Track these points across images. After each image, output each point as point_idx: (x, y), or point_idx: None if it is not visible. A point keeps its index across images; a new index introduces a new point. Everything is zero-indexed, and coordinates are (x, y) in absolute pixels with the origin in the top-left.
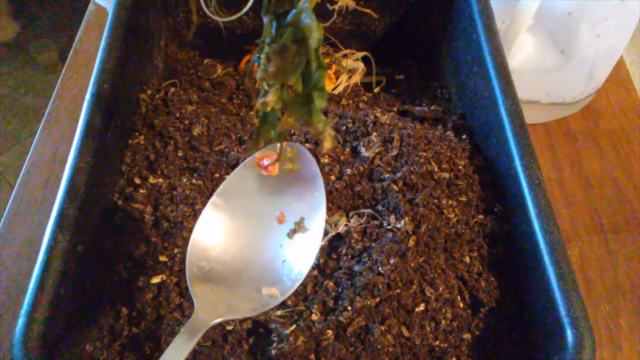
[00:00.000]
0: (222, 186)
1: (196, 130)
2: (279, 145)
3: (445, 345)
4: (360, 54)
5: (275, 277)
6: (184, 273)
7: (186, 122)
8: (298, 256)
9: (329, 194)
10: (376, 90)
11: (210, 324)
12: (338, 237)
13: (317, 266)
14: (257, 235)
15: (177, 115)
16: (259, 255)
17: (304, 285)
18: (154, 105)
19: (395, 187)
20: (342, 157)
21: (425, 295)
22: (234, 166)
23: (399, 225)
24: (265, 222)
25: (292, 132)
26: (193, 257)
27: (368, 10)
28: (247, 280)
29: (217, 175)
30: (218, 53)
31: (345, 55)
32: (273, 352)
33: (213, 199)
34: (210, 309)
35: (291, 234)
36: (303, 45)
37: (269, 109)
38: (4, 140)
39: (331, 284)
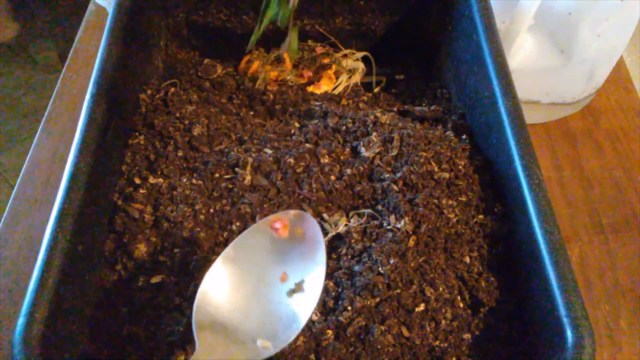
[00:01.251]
0: (236, 240)
1: (196, 130)
2: (291, 212)
3: (445, 345)
4: (361, 54)
5: (271, 331)
6: (184, 272)
7: (186, 122)
8: (294, 315)
9: (329, 193)
10: (376, 90)
11: None
12: (338, 237)
13: None
14: (260, 290)
15: (177, 115)
16: (259, 309)
17: None
18: (154, 105)
19: (395, 187)
20: (342, 157)
21: (425, 295)
22: (233, 166)
23: (399, 225)
24: (270, 279)
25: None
26: (201, 302)
27: None
28: (246, 330)
29: (217, 175)
30: (218, 53)
31: (345, 55)
32: None
33: (227, 250)
34: (209, 352)
35: (290, 293)
36: None
37: None
38: (4, 140)
39: (331, 284)
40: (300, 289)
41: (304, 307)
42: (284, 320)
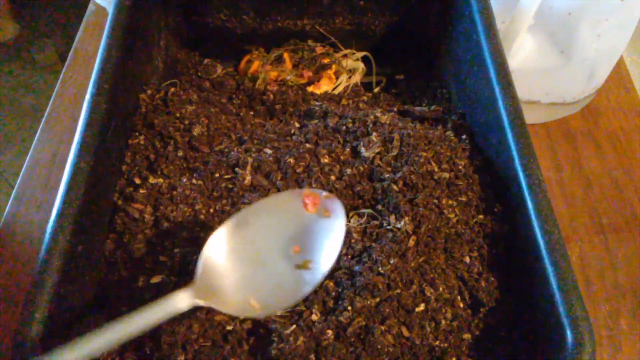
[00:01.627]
0: (267, 199)
1: (196, 130)
2: (325, 193)
3: (445, 345)
4: (361, 54)
5: (266, 295)
6: (184, 272)
7: (186, 122)
8: (293, 288)
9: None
10: (376, 90)
11: (196, 302)
12: None
13: None
14: (270, 254)
15: (177, 115)
16: (263, 271)
17: None
18: (154, 105)
19: (395, 187)
20: (342, 157)
21: (425, 295)
22: (233, 166)
23: (399, 225)
24: (282, 246)
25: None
26: (212, 246)
27: None
28: (244, 286)
29: (217, 175)
30: (218, 53)
31: (345, 55)
32: (273, 352)
33: (255, 205)
34: (204, 292)
35: (297, 267)
36: None
37: None
38: (4, 140)
39: (331, 284)
40: (306, 267)
41: (304, 284)
42: (282, 289)
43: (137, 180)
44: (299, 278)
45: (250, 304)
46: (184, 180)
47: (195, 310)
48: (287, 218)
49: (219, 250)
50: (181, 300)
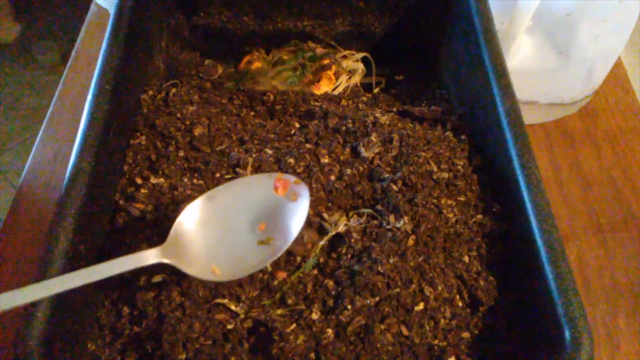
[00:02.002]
0: (241, 179)
1: (197, 131)
2: (294, 179)
3: (445, 344)
4: (360, 55)
5: (227, 263)
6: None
7: (187, 122)
8: (253, 260)
9: (329, 193)
10: (376, 90)
11: (163, 260)
12: (338, 236)
13: (317, 265)
14: (239, 227)
15: (178, 115)
16: (228, 241)
17: (304, 284)
18: (155, 105)
19: (394, 187)
20: (342, 157)
21: (425, 294)
22: (234, 166)
23: (398, 225)
24: (249, 222)
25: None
26: (186, 214)
27: None
28: (209, 252)
29: (217, 175)
30: (219, 54)
31: (345, 56)
32: (273, 351)
33: (230, 183)
34: (171, 252)
35: (259, 242)
36: None
37: None
38: (6, 140)
39: (331, 283)
40: (267, 243)
41: (263, 258)
42: (242, 260)
43: (139, 180)
44: (259, 252)
45: (212, 268)
46: (185, 180)
47: (196, 310)
48: (258, 198)
49: (191, 218)
50: (150, 256)
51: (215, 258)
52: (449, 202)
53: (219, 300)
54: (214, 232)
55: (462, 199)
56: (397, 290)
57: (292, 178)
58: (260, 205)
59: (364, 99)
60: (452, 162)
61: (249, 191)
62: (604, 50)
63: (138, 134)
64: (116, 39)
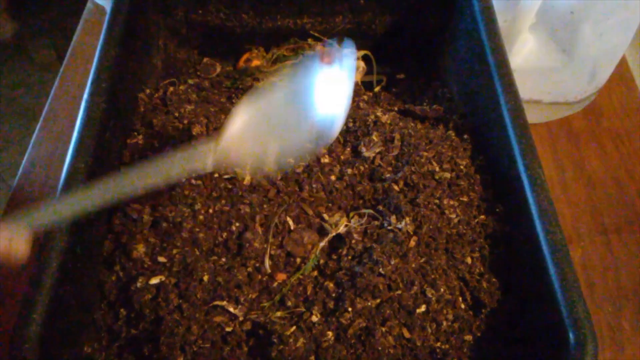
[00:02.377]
0: (292, 70)
1: (195, 130)
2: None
3: (447, 346)
4: (361, 53)
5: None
6: (184, 274)
7: (185, 121)
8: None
9: (329, 193)
10: (377, 89)
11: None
12: (338, 237)
13: (317, 267)
14: (293, 119)
15: (176, 114)
16: (282, 130)
17: (304, 286)
18: (153, 104)
19: (396, 187)
20: (342, 157)
21: (427, 296)
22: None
23: (400, 226)
24: (303, 108)
25: None
26: (238, 116)
27: None
28: (262, 148)
29: (215, 175)
30: (217, 52)
31: None
32: (273, 353)
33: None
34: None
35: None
36: None
37: None
38: (2, 139)
39: (331, 284)
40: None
41: (318, 141)
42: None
43: None
44: (312, 137)
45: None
46: (183, 180)
47: (194, 312)
48: (306, 82)
49: (241, 120)
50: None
51: (270, 150)
52: (451, 202)
53: (217, 302)
54: (269, 124)
55: (464, 199)
56: (399, 292)
57: (335, 46)
58: (310, 88)
59: (365, 97)
60: (454, 162)
61: (295, 78)
62: (608, 49)
63: (135, 133)
64: (113, 36)
